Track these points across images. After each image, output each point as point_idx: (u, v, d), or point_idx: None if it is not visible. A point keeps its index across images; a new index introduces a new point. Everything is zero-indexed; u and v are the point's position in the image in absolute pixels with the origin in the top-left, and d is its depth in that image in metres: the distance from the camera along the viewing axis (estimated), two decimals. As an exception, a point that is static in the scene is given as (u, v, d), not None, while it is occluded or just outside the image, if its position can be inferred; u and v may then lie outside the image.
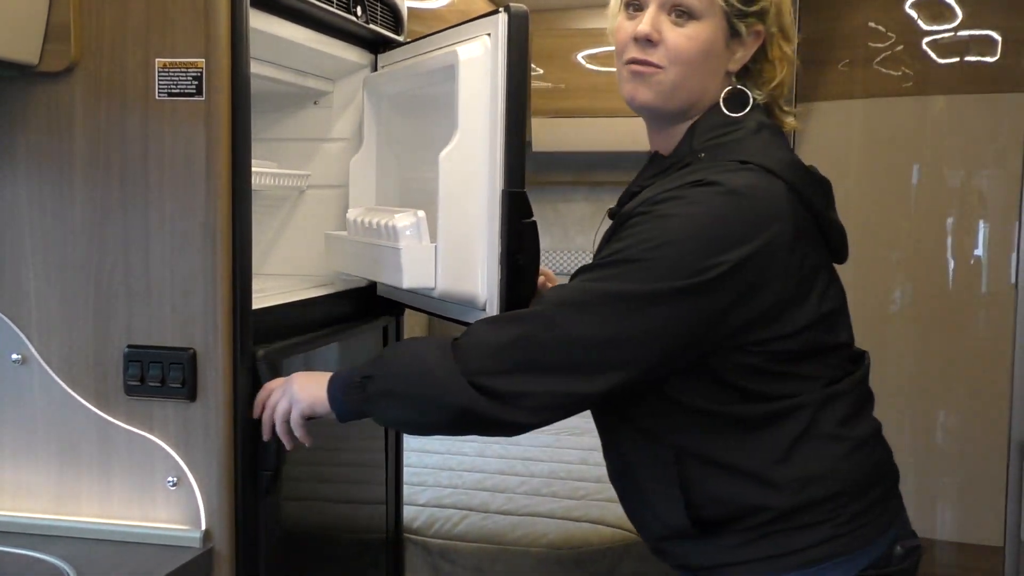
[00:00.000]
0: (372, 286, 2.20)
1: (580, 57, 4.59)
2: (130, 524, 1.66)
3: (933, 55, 3.26)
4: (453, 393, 1.32)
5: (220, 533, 1.65)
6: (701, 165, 1.39)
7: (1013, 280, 3.08)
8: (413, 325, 4.02)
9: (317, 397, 1.51)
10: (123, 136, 1.64)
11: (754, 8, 1.39)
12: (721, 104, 1.43)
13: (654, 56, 1.38)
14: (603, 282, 1.32)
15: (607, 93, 4.44)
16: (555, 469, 3.01)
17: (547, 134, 4.52)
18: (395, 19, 2.28)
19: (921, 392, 3.17)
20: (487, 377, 1.31)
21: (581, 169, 4.78)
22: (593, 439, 3.39)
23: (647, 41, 1.37)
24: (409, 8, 3.07)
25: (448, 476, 2.92)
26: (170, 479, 1.65)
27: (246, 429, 1.67)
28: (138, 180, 1.64)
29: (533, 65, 4.47)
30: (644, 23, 1.37)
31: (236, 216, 1.64)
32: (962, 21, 3.20)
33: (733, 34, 1.39)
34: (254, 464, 1.69)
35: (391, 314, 2.29)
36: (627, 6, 1.42)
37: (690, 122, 1.45)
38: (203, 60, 1.60)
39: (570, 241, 4.91)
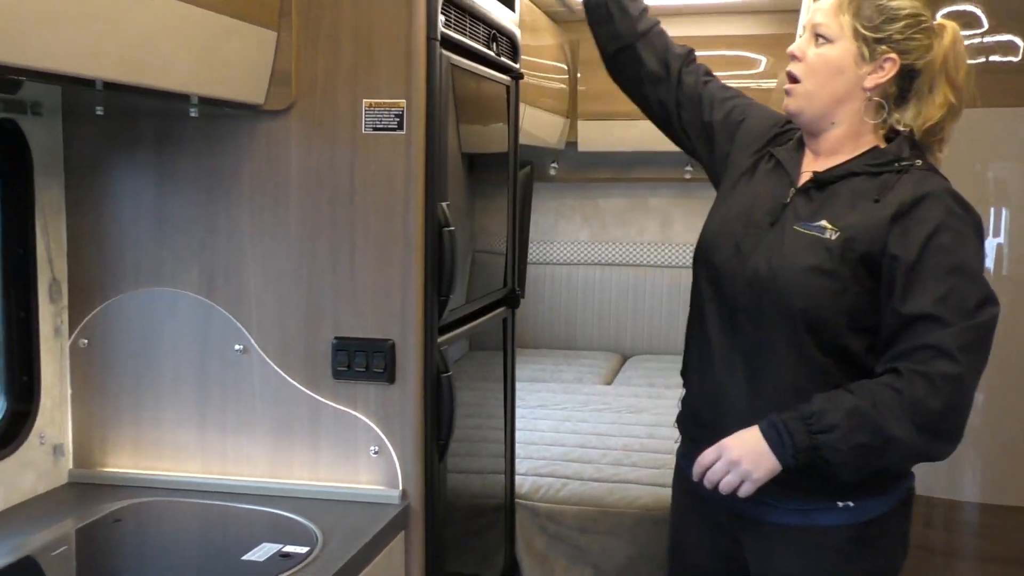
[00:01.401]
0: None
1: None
2: (337, 486, 2.00)
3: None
4: (919, 451, 1.62)
5: (414, 492, 2.00)
6: (925, 172, 1.68)
7: None
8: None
9: (770, 469, 1.62)
10: (332, 164, 1.96)
11: (880, 35, 1.68)
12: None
13: (797, 69, 1.74)
14: (976, 318, 1.58)
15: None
16: (628, 443, 3.37)
17: (590, 135, 4.86)
18: (514, 50, 2.61)
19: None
20: (948, 433, 1.60)
21: (620, 167, 5.12)
22: (653, 416, 3.77)
23: (794, 57, 1.75)
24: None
25: (536, 449, 3.27)
26: (373, 448, 1.99)
27: (432, 407, 2.01)
28: (345, 201, 1.97)
29: (579, 72, 4.80)
30: (794, 45, 1.76)
31: (428, 229, 1.97)
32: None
33: (863, 56, 1.69)
34: (437, 435, 2.03)
35: (509, 306, 2.65)
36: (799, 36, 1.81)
37: (837, 128, 1.74)
38: (404, 101, 1.93)
39: (607, 233, 5.25)
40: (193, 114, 1.87)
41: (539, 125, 4.46)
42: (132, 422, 2.07)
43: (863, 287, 1.64)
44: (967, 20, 3.52)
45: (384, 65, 1.93)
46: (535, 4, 4.28)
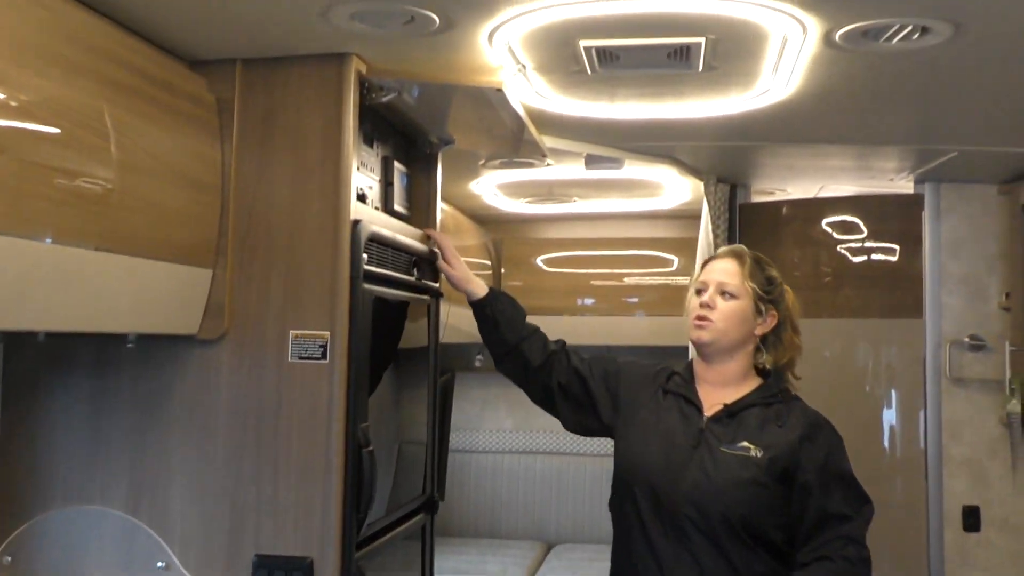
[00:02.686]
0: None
1: (539, 261, 5.22)
2: None
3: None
4: None
5: None
6: (798, 402, 2.14)
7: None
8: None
9: None
10: (260, 389, 2.12)
11: (768, 297, 2.14)
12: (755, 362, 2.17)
13: (709, 314, 2.13)
14: (865, 512, 2.04)
15: (561, 293, 5.08)
16: None
17: (514, 328, 5.09)
18: (435, 272, 2.84)
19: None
20: None
21: (542, 358, 5.33)
22: None
23: (706, 306, 2.13)
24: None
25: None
26: (289, 665, 2.06)
27: (349, 623, 2.10)
28: (271, 424, 2.11)
29: (502, 268, 5.08)
30: (706, 296, 2.14)
31: (348, 450, 2.12)
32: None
33: (758, 310, 2.13)
34: (352, 651, 2.11)
35: (427, 512, 2.77)
36: (697, 292, 2.18)
37: (734, 363, 2.14)
38: (328, 332, 2.11)
39: (531, 422, 5.42)
40: (130, 346, 2.02)
41: (464, 321, 4.67)
42: (51, 640, 2.12)
43: (781, 494, 2.02)
44: (848, 227, 3.95)
45: (311, 300, 2.12)
46: (458, 208, 4.57)
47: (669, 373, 2.24)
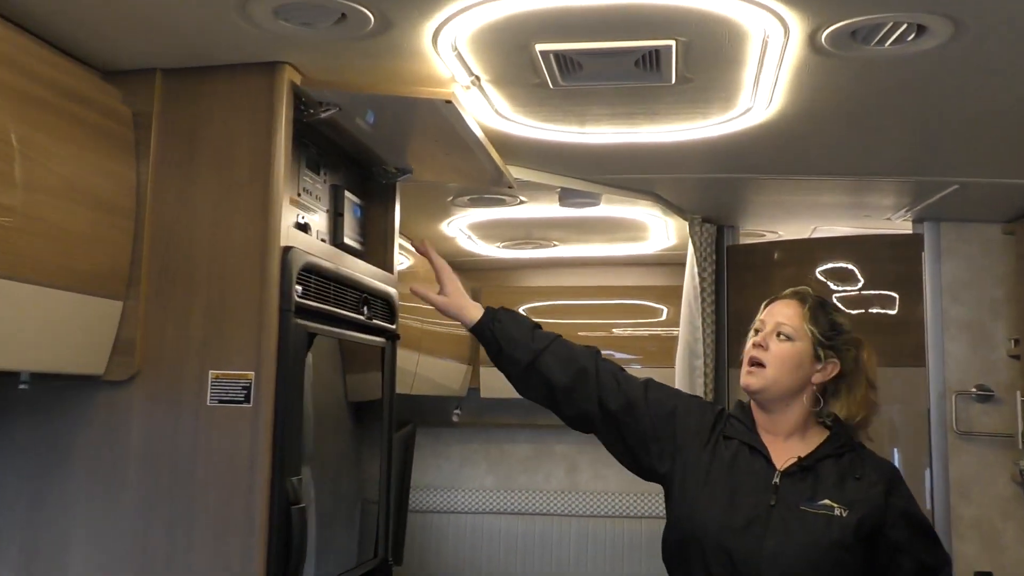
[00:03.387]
0: None
1: (522, 310, 4.99)
2: None
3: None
4: None
5: None
6: (869, 452, 1.99)
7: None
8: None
9: None
10: (175, 437, 1.87)
11: (830, 343, 1.97)
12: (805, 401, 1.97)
13: (763, 356, 1.96)
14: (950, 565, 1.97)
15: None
16: None
17: (493, 382, 4.83)
18: (390, 311, 2.60)
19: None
20: None
21: (524, 413, 5.07)
22: None
23: (760, 347, 1.97)
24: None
25: None
26: None
27: None
28: (185, 476, 1.85)
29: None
30: (760, 336, 1.98)
31: (275, 507, 1.85)
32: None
33: (817, 356, 1.96)
34: None
35: (380, 579, 2.49)
36: (755, 330, 2.01)
37: (790, 411, 1.96)
38: (252, 372, 1.86)
39: (513, 480, 5.13)
40: (23, 386, 1.77)
41: (440, 373, 4.43)
42: None
43: (863, 554, 1.87)
44: (844, 276, 3.71)
45: (234, 336, 1.88)
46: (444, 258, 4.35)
47: (722, 413, 2.05)
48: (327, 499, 2.24)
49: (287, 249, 1.93)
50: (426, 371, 4.13)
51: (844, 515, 1.85)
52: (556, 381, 2.01)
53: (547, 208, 3.41)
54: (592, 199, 3.10)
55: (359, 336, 2.36)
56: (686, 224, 3.55)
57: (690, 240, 3.55)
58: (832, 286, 3.71)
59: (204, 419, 1.87)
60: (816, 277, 3.74)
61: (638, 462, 2.01)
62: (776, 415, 1.98)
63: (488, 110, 2.28)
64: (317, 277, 2.07)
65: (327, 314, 2.13)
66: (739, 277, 3.71)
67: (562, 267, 4.85)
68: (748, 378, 1.97)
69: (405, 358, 3.72)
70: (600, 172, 2.91)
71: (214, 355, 1.88)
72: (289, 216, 2.08)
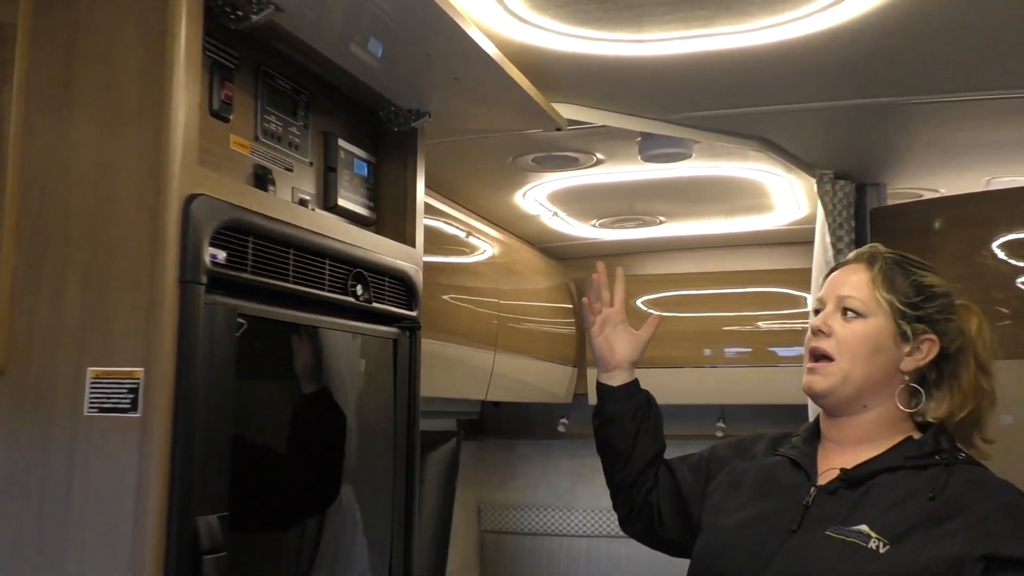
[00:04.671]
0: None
1: (640, 304, 4.33)
2: None
3: None
4: None
5: None
6: (972, 464, 1.52)
7: None
8: None
9: None
10: (46, 460, 1.36)
11: (919, 312, 1.53)
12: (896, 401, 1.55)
13: (826, 345, 1.55)
14: None
15: (669, 342, 4.16)
16: None
17: (603, 385, 4.21)
18: (408, 294, 2.04)
19: None
20: None
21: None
22: None
23: (819, 332, 1.56)
24: (453, 263, 2.89)
25: None
26: None
27: None
28: (59, 517, 1.34)
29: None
30: (819, 318, 1.57)
31: (174, 556, 1.32)
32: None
33: (903, 334, 1.53)
34: None
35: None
36: (815, 311, 1.61)
37: (869, 413, 1.55)
38: (141, 369, 1.33)
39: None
40: None
41: (536, 376, 3.85)
42: None
43: None
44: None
45: (118, 318, 1.36)
46: (517, 236, 3.77)
47: (780, 435, 1.70)
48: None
49: (191, 198, 1.39)
50: (515, 374, 3.56)
51: (881, 550, 1.40)
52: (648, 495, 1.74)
53: (634, 170, 2.77)
54: (680, 148, 2.44)
55: (345, 323, 1.80)
56: (814, 183, 2.83)
57: (819, 203, 2.82)
58: (1013, 263, 2.88)
59: (81, 434, 1.35)
60: (992, 251, 2.92)
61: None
62: (847, 421, 1.57)
63: (503, 15, 1.69)
64: (257, 240, 1.53)
65: (278, 291, 1.58)
66: (888, 247, 2.93)
67: (673, 250, 4.17)
68: (809, 378, 1.57)
69: (478, 357, 3.17)
70: (677, 107, 2.25)
71: (93, 345, 1.36)
72: (239, 165, 1.56)
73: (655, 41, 1.87)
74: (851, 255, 1.65)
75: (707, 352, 4.11)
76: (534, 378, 3.82)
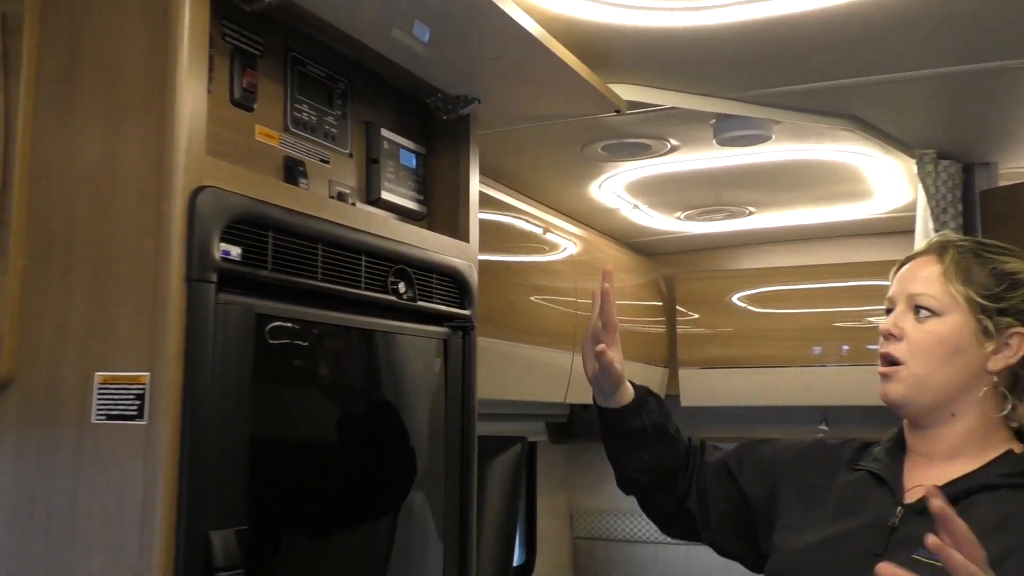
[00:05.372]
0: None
1: (736, 300, 4.11)
2: None
3: None
4: None
5: None
6: None
7: None
8: None
9: None
10: (53, 473, 1.29)
11: (1003, 304, 1.40)
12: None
13: (896, 350, 1.42)
14: None
15: (765, 340, 3.94)
16: None
17: (695, 386, 4.01)
18: (461, 292, 1.92)
19: None
20: None
21: (737, 424, 4.18)
22: None
23: (890, 336, 1.43)
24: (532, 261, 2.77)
25: None
26: None
27: None
28: (64, 535, 1.27)
29: (684, 309, 4.02)
30: (888, 320, 1.45)
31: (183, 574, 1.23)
32: None
33: (985, 330, 1.39)
34: None
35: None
36: (887, 311, 1.49)
37: (960, 423, 1.42)
38: (147, 374, 1.25)
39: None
40: None
41: (629, 378, 3.68)
42: None
43: None
44: None
45: (124, 319, 1.28)
46: (612, 236, 3.61)
47: (860, 445, 1.56)
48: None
49: (198, 191, 1.29)
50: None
51: None
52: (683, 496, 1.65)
53: (713, 156, 2.58)
54: (758, 130, 2.24)
55: (384, 323, 1.69)
56: (914, 165, 2.59)
57: (920, 186, 2.58)
58: None
59: (88, 444, 1.28)
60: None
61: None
62: (932, 432, 1.42)
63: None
64: (278, 235, 1.43)
65: (305, 289, 1.48)
66: (998, 234, 2.66)
67: (766, 243, 3.93)
68: (885, 385, 1.43)
69: (556, 357, 3.03)
70: (751, 83, 2.06)
71: (100, 349, 1.29)
72: (267, 157, 1.48)
73: (719, 7, 1.70)
74: (920, 246, 1.52)
75: (815, 350, 3.86)
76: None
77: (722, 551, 1.66)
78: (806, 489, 1.54)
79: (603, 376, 1.59)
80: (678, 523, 1.67)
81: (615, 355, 1.57)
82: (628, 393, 1.63)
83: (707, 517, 1.63)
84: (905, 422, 1.50)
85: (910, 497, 1.40)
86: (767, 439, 1.67)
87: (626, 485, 1.72)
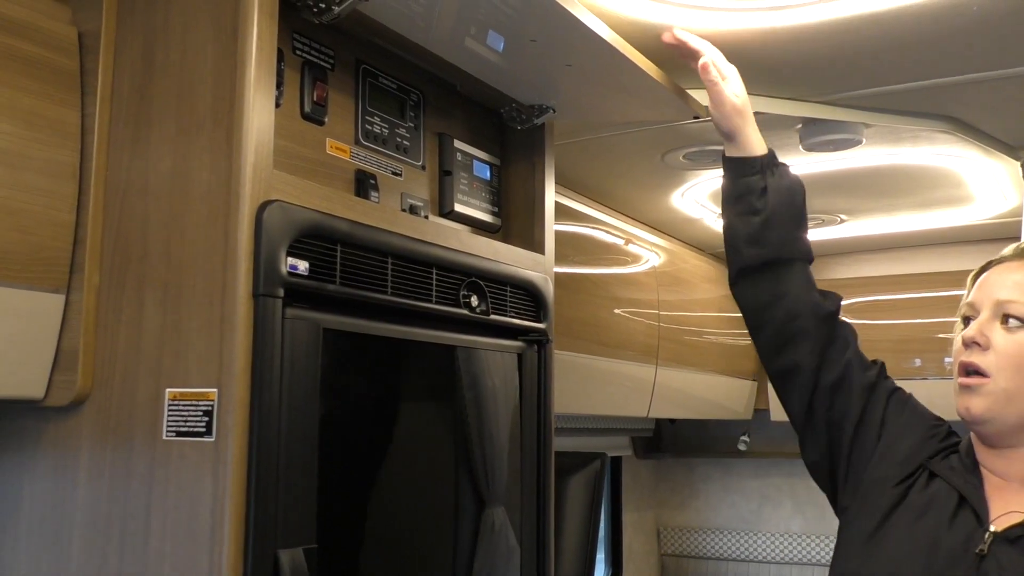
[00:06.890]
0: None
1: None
2: None
3: None
4: None
5: None
6: None
7: None
8: None
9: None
10: (127, 489, 1.29)
11: None
12: None
13: (982, 360, 1.34)
14: None
15: (864, 352, 3.79)
16: None
17: (787, 400, 3.89)
18: (536, 305, 1.87)
19: None
20: None
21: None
22: None
23: (975, 345, 1.35)
24: (613, 273, 2.72)
25: None
26: None
27: None
28: (137, 548, 1.27)
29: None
30: (971, 327, 1.37)
31: (250, 594, 1.21)
32: None
33: None
34: None
35: None
36: (964, 319, 1.41)
37: None
38: (215, 391, 1.24)
39: (828, 525, 4.10)
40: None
41: (712, 392, 3.59)
42: None
43: None
44: None
45: (194, 337, 1.27)
46: (697, 247, 3.53)
47: (945, 440, 1.47)
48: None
49: (265, 205, 1.28)
50: (682, 388, 3.33)
51: None
52: (796, 303, 1.57)
53: (801, 161, 2.49)
54: (847, 134, 2.15)
55: (455, 337, 1.66)
56: (1019, 168, 2.46)
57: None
58: None
59: (159, 460, 1.27)
60: None
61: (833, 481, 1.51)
62: (1011, 451, 1.35)
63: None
64: (346, 248, 1.41)
65: (374, 303, 1.46)
66: (1113, 238, 2.51)
67: (861, 251, 3.78)
68: (964, 399, 1.35)
69: (639, 371, 2.97)
70: (838, 85, 1.97)
71: (171, 366, 1.28)
72: (338, 171, 1.48)
73: (802, 6, 1.63)
74: (1007, 250, 1.43)
75: (916, 362, 3.70)
76: (706, 392, 3.57)
77: (805, 440, 1.56)
78: (890, 498, 1.43)
79: (714, 108, 1.60)
80: (795, 374, 1.56)
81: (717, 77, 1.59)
82: (754, 146, 1.59)
83: (828, 400, 1.51)
84: (974, 437, 1.42)
85: (998, 524, 1.33)
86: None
87: (740, 271, 1.60)
